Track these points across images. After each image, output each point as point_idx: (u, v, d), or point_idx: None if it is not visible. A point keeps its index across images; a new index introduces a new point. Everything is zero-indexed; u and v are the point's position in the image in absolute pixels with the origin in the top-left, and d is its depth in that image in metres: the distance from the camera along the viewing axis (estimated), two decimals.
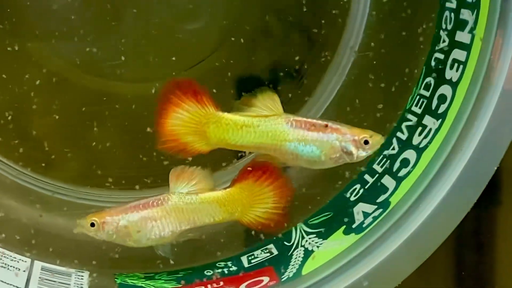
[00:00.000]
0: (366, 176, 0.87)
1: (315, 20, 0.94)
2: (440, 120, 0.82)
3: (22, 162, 0.91)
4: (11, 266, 0.82)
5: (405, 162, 0.84)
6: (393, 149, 0.86)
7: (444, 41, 0.84)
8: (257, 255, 0.88)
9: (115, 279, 0.86)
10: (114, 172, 0.93)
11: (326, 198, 0.89)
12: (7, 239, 0.85)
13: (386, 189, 0.84)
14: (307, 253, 0.85)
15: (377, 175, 0.86)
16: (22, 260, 0.84)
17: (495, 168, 0.77)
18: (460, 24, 0.81)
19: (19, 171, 0.91)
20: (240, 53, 0.94)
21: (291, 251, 0.86)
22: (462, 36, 0.80)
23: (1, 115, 0.90)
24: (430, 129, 0.82)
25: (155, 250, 0.83)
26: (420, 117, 0.84)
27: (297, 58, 0.94)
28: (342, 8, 0.93)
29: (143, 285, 0.85)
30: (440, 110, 0.82)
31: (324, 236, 0.85)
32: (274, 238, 0.88)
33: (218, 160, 0.92)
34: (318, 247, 0.85)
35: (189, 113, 0.79)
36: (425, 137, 0.83)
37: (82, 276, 0.85)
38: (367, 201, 0.85)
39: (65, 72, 0.92)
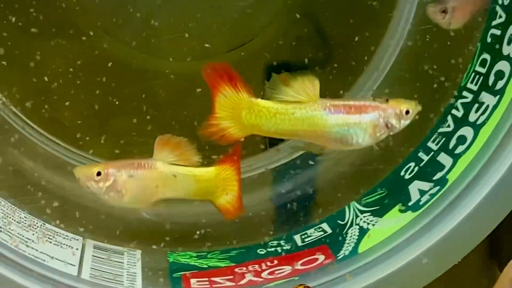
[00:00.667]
0: (421, 154, 0.86)
1: None
2: (498, 96, 0.80)
3: (81, 142, 0.90)
4: (64, 244, 0.82)
5: (461, 139, 0.83)
6: (448, 126, 0.85)
7: (500, 17, 0.83)
8: (310, 233, 0.87)
9: (167, 258, 0.85)
10: None
11: (379, 177, 0.88)
12: (60, 218, 0.84)
13: (443, 166, 0.83)
14: (362, 231, 0.84)
15: (432, 152, 0.85)
16: (75, 239, 0.83)
17: None
18: None
19: (77, 153, 0.91)
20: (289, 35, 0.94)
21: (345, 230, 0.85)
22: None
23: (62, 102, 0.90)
24: (488, 106, 0.81)
25: (142, 212, 0.82)
26: (476, 94, 0.83)
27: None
28: None
29: (195, 263, 0.85)
30: (498, 87, 0.81)
31: (379, 214, 0.85)
32: (328, 216, 0.87)
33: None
34: (373, 225, 0.84)
35: (226, 97, 0.78)
36: (482, 113, 0.81)
37: (135, 254, 0.85)
38: (423, 178, 0.84)
39: (117, 51, 0.92)
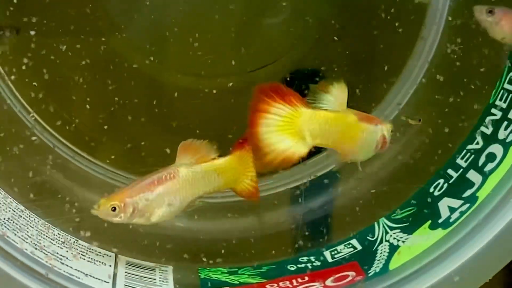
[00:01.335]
0: (450, 171, 0.87)
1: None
2: None
3: (109, 160, 0.91)
4: (97, 261, 0.83)
5: (491, 157, 0.83)
6: (477, 143, 0.85)
7: None
8: (340, 250, 0.87)
9: (199, 274, 0.86)
10: None
11: (408, 193, 0.89)
12: (91, 235, 0.85)
13: (472, 183, 0.83)
14: (393, 248, 0.84)
15: (461, 169, 0.85)
16: (107, 255, 0.84)
17: None
18: None
19: (104, 168, 0.92)
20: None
21: (375, 246, 0.86)
22: None
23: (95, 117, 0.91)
24: None
25: (174, 223, 0.82)
26: (506, 111, 0.84)
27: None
28: None
29: (227, 280, 0.85)
30: None
31: (409, 231, 0.85)
32: (357, 232, 0.88)
33: None
34: (403, 242, 0.84)
35: (281, 116, 0.78)
36: None
37: (166, 270, 0.85)
38: (453, 196, 0.84)
39: (144, 67, 0.93)
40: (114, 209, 0.79)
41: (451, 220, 0.82)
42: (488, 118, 0.86)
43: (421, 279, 0.79)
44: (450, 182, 0.86)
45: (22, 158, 0.87)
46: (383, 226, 0.87)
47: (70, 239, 0.83)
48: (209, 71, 0.93)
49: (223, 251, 0.89)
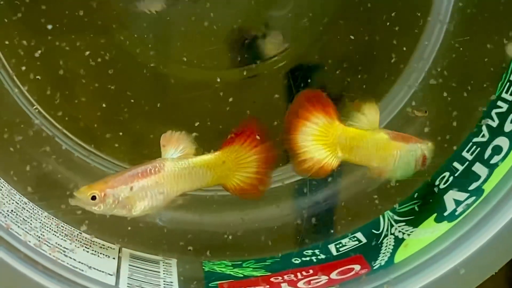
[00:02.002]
0: (455, 164, 0.86)
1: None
2: None
3: (120, 154, 0.91)
4: (101, 254, 0.82)
5: (497, 150, 0.83)
6: (483, 136, 0.85)
7: None
8: (345, 243, 0.87)
9: (203, 267, 0.86)
10: None
11: (414, 186, 0.88)
12: (95, 227, 0.85)
13: (478, 176, 0.83)
14: (398, 241, 0.84)
15: (467, 162, 0.85)
16: (111, 248, 0.84)
17: None
18: None
19: (112, 163, 0.91)
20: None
21: (380, 239, 0.85)
22: None
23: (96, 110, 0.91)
24: None
25: (155, 219, 0.81)
26: None
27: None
28: None
29: (231, 273, 0.85)
30: None
31: (414, 224, 0.85)
32: (362, 225, 0.87)
33: None
34: (409, 235, 0.84)
35: (318, 126, 0.78)
36: None
37: (170, 263, 0.85)
38: (459, 188, 0.84)
39: (148, 59, 0.92)
40: (94, 198, 0.77)
41: (456, 213, 0.82)
42: (494, 111, 0.85)
43: (426, 272, 0.78)
44: (456, 175, 0.86)
45: (25, 150, 0.87)
46: (389, 219, 0.87)
47: (73, 232, 0.83)
48: (213, 63, 0.93)
49: (227, 244, 0.88)
